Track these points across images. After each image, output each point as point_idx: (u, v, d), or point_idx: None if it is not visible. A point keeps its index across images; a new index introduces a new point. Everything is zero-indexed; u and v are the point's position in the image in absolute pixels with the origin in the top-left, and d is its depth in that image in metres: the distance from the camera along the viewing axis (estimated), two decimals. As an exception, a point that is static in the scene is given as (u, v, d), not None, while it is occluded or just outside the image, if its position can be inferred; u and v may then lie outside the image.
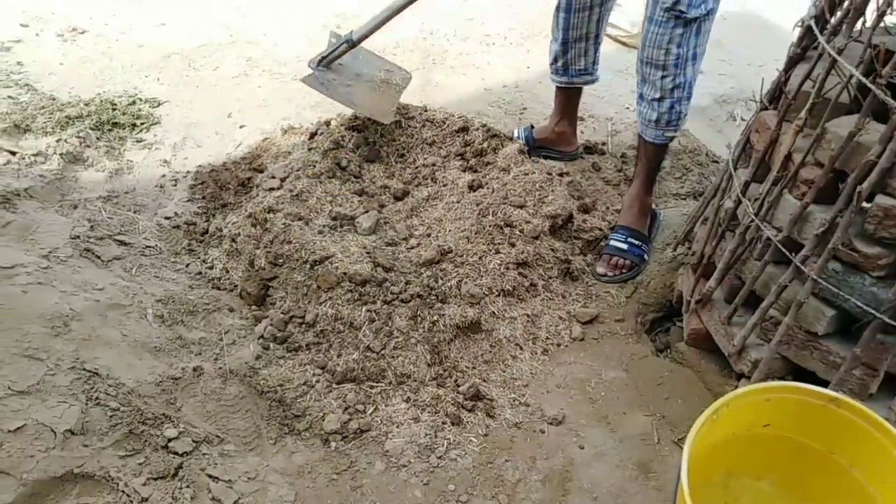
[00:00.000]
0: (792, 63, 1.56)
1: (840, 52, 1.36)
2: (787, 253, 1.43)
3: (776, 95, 1.60)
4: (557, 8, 2.18)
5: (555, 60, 2.28)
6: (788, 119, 1.50)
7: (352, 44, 2.20)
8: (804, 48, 1.55)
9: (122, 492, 1.29)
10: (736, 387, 1.56)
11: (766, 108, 1.61)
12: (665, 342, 1.89)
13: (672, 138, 2.07)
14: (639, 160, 2.13)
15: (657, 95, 1.94)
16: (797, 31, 1.55)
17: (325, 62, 2.23)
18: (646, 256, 2.02)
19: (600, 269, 2.01)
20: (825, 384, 1.39)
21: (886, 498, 1.21)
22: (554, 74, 2.32)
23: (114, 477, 1.31)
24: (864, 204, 1.31)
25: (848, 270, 1.36)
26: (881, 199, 1.28)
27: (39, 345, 1.45)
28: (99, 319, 1.59)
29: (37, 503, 1.24)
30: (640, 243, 2.01)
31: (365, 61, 2.37)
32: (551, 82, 2.35)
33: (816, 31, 1.44)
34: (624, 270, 1.98)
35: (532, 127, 2.52)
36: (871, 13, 1.38)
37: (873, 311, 1.31)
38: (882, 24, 1.44)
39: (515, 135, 2.48)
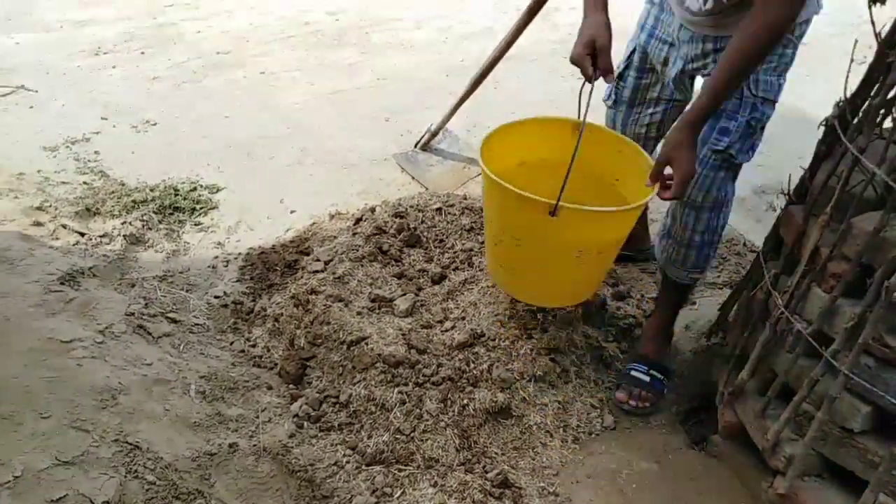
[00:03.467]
0: (817, 160, 1.59)
1: (862, 151, 1.39)
2: (818, 346, 1.41)
3: (803, 191, 1.62)
4: (616, 104, 1.98)
5: None
6: (815, 213, 1.52)
7: (433, 132, 2.95)
8: (829, 145, 1.58)
9: (152, 565, 1.33)
10: (771, 483, 1.51)
11: (793, 203, 1.63)
12: (700, 433, 1.85)
13: (698, 280, 1.96)
14: (662, 295, 2.03)
15: (686, 239, 1.80)
16: (822, 130, 1.59)
17: (420, 146, 3.00)
18: (665, 391, 1.92)
19: (621, 396, 1.90)
20: (865, 483, 1.34)
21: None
22: None
23: (145, 550, 1.35)
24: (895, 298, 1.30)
25: (881, 366, 1.34)
26: (910, 295, 1.27)
27: (87, 416, 1.53)
28: (145, 394, 1.67)
29: (71, 572, 1.28)
30: (663, 377, 1.91)
31: (457, 149, 3.03)
32: None
33: (840, 131, 1.48)
34: (647, 404, 1.88)
35: None
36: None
37: (909, 409, 1.28)
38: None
39: None
